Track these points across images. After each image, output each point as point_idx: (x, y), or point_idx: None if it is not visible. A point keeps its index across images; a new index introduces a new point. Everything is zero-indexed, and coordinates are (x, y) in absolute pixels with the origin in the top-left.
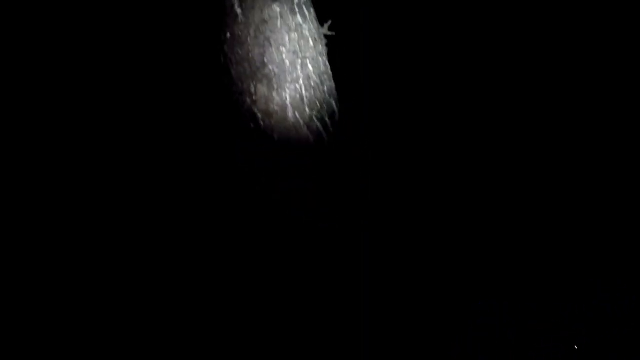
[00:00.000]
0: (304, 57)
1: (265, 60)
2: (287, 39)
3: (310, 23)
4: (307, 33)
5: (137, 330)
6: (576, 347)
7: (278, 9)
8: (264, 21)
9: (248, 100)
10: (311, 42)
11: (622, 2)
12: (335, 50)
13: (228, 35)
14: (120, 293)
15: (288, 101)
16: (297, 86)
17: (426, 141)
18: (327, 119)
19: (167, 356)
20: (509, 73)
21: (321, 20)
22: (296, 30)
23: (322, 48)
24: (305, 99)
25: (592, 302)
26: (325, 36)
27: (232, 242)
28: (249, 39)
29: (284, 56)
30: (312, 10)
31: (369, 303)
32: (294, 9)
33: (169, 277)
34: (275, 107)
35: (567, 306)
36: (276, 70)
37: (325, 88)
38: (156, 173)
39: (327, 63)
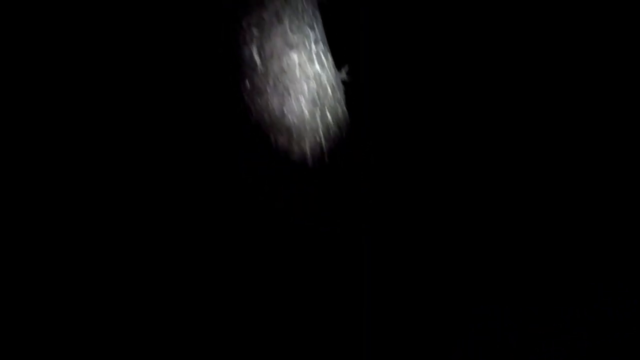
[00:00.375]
0: (323, 107)
1: (285, 111)
2: (305, 88)
3: (328, 71)
4: (325, 81)
5: (139, 330)
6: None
7: (296, 58)
8: (283, 70)
9: (268, 151)
10: (329, 91)
11: (622, 2)
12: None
13: (247, 84)
14: (124, 295)
15: (308, 153)
16: (317, 137)
17: (427, 146)
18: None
19: (168, 356)
20: (508, 74)
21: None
22: (314, 79)
23: (340, 95)
24: (324, 149)
25: (593, 306)
26: (343, 82)
27: (236, 248)
28: (268, 89)
29: (303, 106)
30: (329, 57)
31: (370, 307)
32: (312, 57)
33: (174, 281)
34: (295, 158)
35: (568, 310)
36: (295, 120)
37: (345, 136)
38: (164, 182)
39: (346, 110)
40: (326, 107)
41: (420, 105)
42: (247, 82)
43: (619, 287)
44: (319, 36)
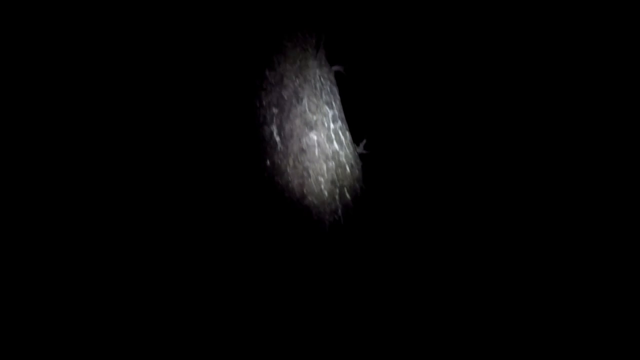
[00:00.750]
0: (342, 187)
1: (305, 192)
2: (325, 168)
3: (347, 148)
4: (343, 160)
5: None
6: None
7: (315, 138)
8: (303, 150)
9: (287, 232)
10: (348, 169)
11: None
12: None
13: (268, 163)
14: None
15: (328, 232)
16: (336, 217)
17: (426, 144)
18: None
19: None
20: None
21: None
22: (333, 159)
23: (358, 173)
24: (343, 228)
25: (594, 305)
26: (360, 156)
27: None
28: (288, 169)
29: (322, 187)
30: (347, 133)
31: (370, 307)
32: (331, 135)
33: (193, 270)
34: (314, 239)
35: (568, 310)
36: (315, 201)
37: (363, 214)
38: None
39: (364, 186)
40: (345, 187)
41: (417, 106)
42: (267, 161)
43: (617, 284)
44: (337, 113)
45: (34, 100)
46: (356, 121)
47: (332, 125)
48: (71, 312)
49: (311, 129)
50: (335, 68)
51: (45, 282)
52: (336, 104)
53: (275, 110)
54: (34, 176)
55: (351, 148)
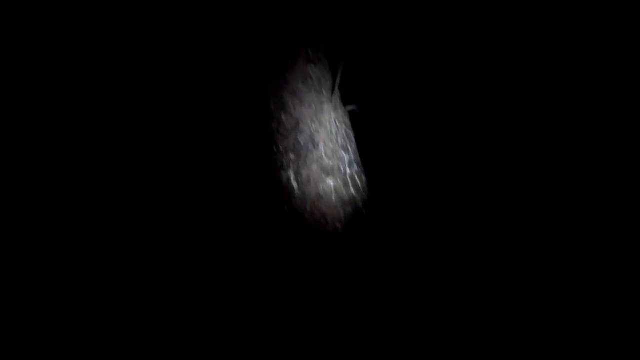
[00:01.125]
0: (359, 231)
1: (322, 237)
2: (342, 213)
3: (363, 192)
4: (360, 205)
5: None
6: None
7: (332, 183)
8: (320, 196)
9: (304, 277)
10: (365, 213)
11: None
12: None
13: (286, 208)
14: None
15: (343, 275)
16: (354, 263)
17: (426, 145)
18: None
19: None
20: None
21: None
22: (350, 204)
23: (374, 215)
24: (360, 272)
25: (594, 306)
26: (376, 200)
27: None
28: (305, 215)
29: (340, 232)
30: (363, 178)
31: (370, 307)
32: (347, 180)
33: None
34: (332, 284)
35: (568, 310)
36: (332, 247)
37: (381, 259)
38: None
39: (380, 228)
40: (362, 233)
41: (417, 109)
42: (285, 206)
43: (617, 283)
44: (352, 157)
45: (34, 100)
46: (371, 162)
47: (348, 170)
48: (71, 312)
49: (328, 174)
50: (349, 108)
51: (45, 281)
52: (352, 147)
53: (292, 156)
54: (34, 176)
55: (367, 192)
